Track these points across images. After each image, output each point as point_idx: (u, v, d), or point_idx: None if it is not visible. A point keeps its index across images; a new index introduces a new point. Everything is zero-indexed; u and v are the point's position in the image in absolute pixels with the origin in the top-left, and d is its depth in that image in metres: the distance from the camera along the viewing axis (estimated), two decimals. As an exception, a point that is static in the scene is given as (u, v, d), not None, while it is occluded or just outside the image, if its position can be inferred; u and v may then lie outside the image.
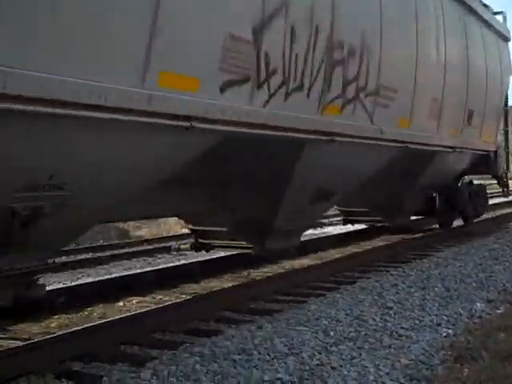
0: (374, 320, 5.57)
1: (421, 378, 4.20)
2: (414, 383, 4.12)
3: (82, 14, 3.52)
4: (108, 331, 5.00)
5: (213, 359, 4.44)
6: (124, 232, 12.47)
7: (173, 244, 7.07)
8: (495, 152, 11.85)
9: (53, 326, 5.54)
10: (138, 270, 8.01)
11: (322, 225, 13.29)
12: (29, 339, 4.87)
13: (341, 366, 4.37)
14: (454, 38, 9.40)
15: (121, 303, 6.37)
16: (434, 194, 10.79)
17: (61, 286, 7.14)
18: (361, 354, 4.63)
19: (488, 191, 12.85)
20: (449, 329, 5.39)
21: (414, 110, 8.04)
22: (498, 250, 9.78)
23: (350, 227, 11.54)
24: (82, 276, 8.10)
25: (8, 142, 3.38)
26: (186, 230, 9.33)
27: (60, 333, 4.92)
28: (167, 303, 6.09)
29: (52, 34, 3.36)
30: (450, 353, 4.70)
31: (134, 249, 10.39)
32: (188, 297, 6.49)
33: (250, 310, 6.08)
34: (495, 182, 12.87)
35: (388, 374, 4.25)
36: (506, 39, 12.26)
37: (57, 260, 9.06)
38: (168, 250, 9.68)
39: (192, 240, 7.11)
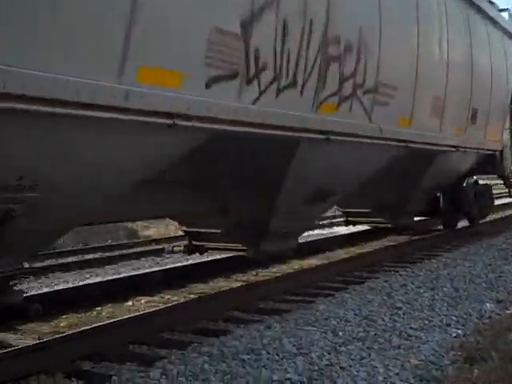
0: (383, 320, 5.55)
1: (431, 378, 4.19)
2: (423, 384, 4.12)
3: None
4: (117, 331, 5.01)
5: (221, 359, 4.43)
6: (132, 232, 12.49)
7: (166, 246, 6.88)
8: (501, 151, 11.64)
9: (62, 325, 5.55)
10: (147, 270, 8.02)
11: (323, 226, 13.19)
12: (38, 338, 4.88)
13: (350, 366, 4.36)
14: (458, 35, 9.22)
15: (129, 303, 6.39)
16: (438, 195, 10.64)
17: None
18: (370, 354, 4.62)
19: (496, 191, 12.76)
20: (458, 329, 5.37)
21: (415, 108, 7.81)
22: (507, 250, 9.73)
23: (358, 227, 11.48)
24: (91, 276, 8.12)
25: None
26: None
27: (69, 332, 4.93)
28: (175, 303, 6.10)
29: (12, 22, 3.11)
30: (459, 353, 4.68)
31: (143, 248, 10.41)
32: (196, 296, 6.50)
33: (258, 309, 6.08)
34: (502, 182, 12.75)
35: (398, 374, 4.24)
36: None
37: (65, 260, 9.16)
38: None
39: (186, 242, 6.88)
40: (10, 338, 5.04)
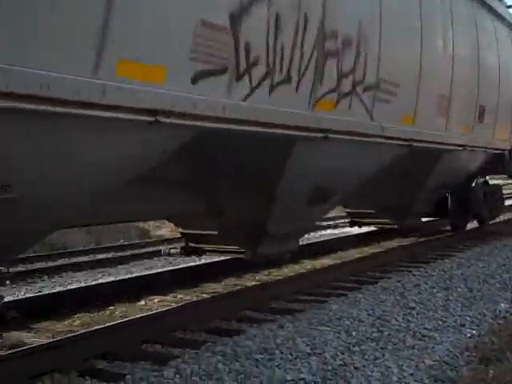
0: (397, 320, 5.52)
1: (445, 379, 4.16)
2: (438, 384, 4.09)
3: None
4: (130, 330, 5.02)
5: (235, 358, 4.43)
6: (144, 231, 12.52)
7: (162, 248, 6.64)
8: (510, 151, 11.35)
9: (75, 324, 5.57)
10: (159, 270, 8.03)
11: (336, 226, 13.11)
12: (52, 337, 4.90)
13: (364, 367, 4.34)
14: (464, 31, 8.98)
15: (142, 302, 6.40)
16: (447, 195, 10.41)
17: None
18: (384, 355, 4.59)
19: (507, 191, 12.61)
20: (473, 329, 5.33)
21: (419, 105, 7.53)
22: (521, 250, 9.67)
23: (371, 227, 11.40)
24: (103, 275, 8.14)
25: None
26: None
27: (82, 331, 4.94)
28: (188, 302, 6.10)
29: None
30: (474, 354, 4.65)
31: (155, 248, 10.42)
32: (209, 296, 6.50)
33: (271, 309, 6.07)
34: None
35: (412, 374, 4.22)
36: None
37: (78, 259, 9.19)
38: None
39: (182, 244, 6.62)
40: (25, 336, 5.06)
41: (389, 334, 5.10)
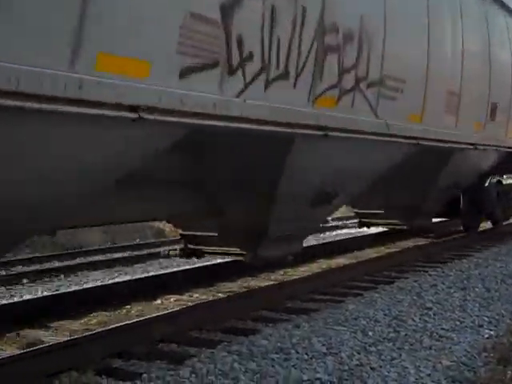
0: (414, 320, 5.49)
1: (463, 379, 4.13)
2: (456, 385, 4.06)
3: None
4: (146, 329, 5.02)
5: (251, 358, 4.42)
6: (160, 231, 12.55)
7: (161, 250, 6.45)
8: None
9: (92, 323, 5.60)
10: (175, 269, 8.05)
11: (344, 227, 12.96)
12: (69, 336, 4.93)
13: (380, 367, 4.32)
14: (474, 27, 8.69)
15: (158, 301, 6.41)
16: (458, 195, 10.21)
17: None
18: (401, 355, 4.57)
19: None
20: (491, 330, 5.29)
21: (427, 103, 7.24)
22: (539, 250, 9.58)
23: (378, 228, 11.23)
24: (120, 274, 8.18)
25: None
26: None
27: (99, 330, 4.96)
28: (204, 301, 6.11)
29: None
30: (492, 354, 4.61)
31: (170, 247, 10.43)
32: (224, 296, 6.50)
33: (286, 308, 6.06)
34: None
35: (429, 375, 4.19)
36: None
37: (94, 258, 9.24)
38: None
39: (182, 245, 6.41)
40: (42, 335, 5.10)
41: (406, 335, 5.08)
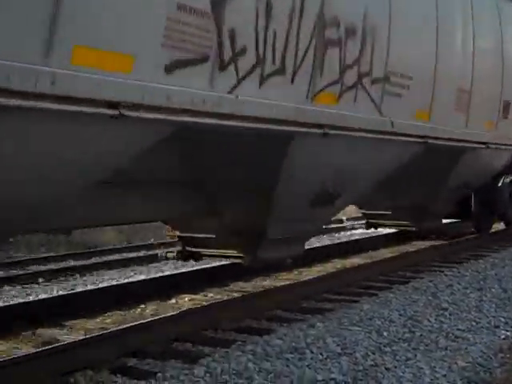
0: (429, 321, 5.46)
1: (479, 380, 4.10)
2: (471, 386, 4.03)
3: None
4: (160, 328, 5.04)
5: (265, 357, 4.42)
6: (174, 231, 12.58)
7: (159, 252, 6.27)
8: None
9: (107, 322, 5.62)
10: (190, 268, 8.06)
11: (360, 227, 12.81)
12: (84, 334, 4.96)
13: (395, 367, 4.29)
14: (486, 23, 8.37)
15: (173, 301, 6.43)
16: (470, 195, 9.93)
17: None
18: (416, 356, 4.54)
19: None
20: (507, 331, 5.25)
21: (435, 100, 6.99)
22: (557, 250, 9.47)
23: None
24: (135, 274, 8.21)
25: None
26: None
27: (114, 329, 4.98)
28: (218, 301, 6.11)
29: None
30: (508, 355, 4.58)
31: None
32: (239, 295, 6.50)
33: (301, 308, 6.05)
34: None
35: (445, 376, 4.16)
36: None
37: (109, 258, 9.28)
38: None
39: (179, 248, 6.24)
40: (57, 333, 5.13)
41: (421, 335, 5.04)
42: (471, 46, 7.94)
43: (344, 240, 10.96)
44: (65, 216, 4.31)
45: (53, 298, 6.36)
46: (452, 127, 7.57)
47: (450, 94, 7.48)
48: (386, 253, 9.56)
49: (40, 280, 7.67)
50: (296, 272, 7.96)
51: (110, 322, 5.63)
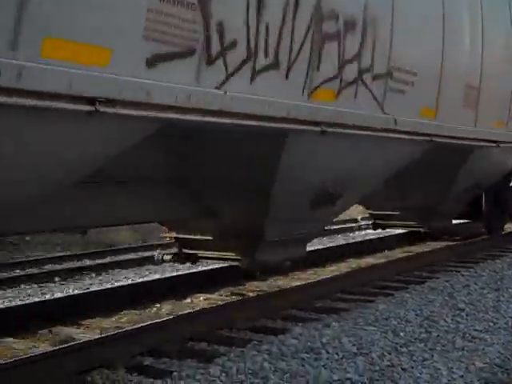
0: (446, 321, 5.42)
1: (496, 381, 4.07)
2: (489, 387, 3.99)
3: None
4: (176, 327, 5.05)
5: (281, 357, 4.41)
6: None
7: (156, 254, 6.18)
8: None
9: (122, 321, 5.64)
10: (205, 268, 8.07)
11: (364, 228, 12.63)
12: (100, 333, 4.97)
13: (412, 368, 4.27)
14: (496, 17, 8.03)
15: (188, 300, 6.44)
16: (480, 195, 9.68)
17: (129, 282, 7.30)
18: (433, 356, 4.51)
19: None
20: (525, 331, 5.20)
21: (442, 97, 6.73)
22: None
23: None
24: (150, 273, 8.23)
25: None
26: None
27: (129, 328, 4.99)
28: (234, 300, 6.11)
29: None
30: (527, 356, 4.53)
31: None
32: (254, 295, 6.49)
33: (316, 308, 6.03)
34: None
35: (462, 376, 4.13)
36: None
37: (124, 257, 9.31)
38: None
39: (176, 250, 6.08)
40: (74, 332, 5.15)
41: (437, 335, 5.01)
42: (480, 40, 7.64)
43: (358, 240, 10.91)
44: (40, 217, 4.16)
45: (68, 296, 6.39)
46: (460, 125, 7.31)
47: (457, 90, 7.22)
48: (401, 252, 9.51)
49: (56, 279, 7.72)
50: (311, 271, 7.94)
51: (126, 321, 5.64)
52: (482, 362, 4.42)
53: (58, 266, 8.51)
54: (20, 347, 4.74)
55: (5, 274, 7.86)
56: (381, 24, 5.57)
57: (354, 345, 4.70)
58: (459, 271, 7.76)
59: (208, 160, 5.01)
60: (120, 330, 4.90)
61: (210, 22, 3.88)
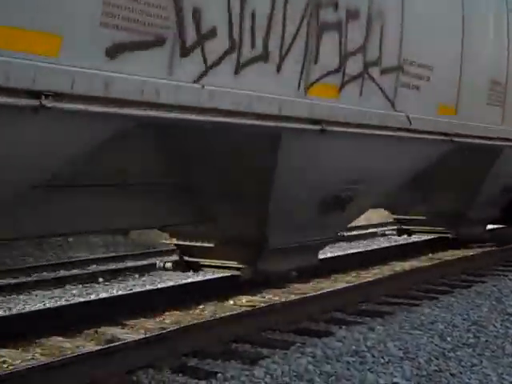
0: (495, 326, 5.30)
1: (549, 388, 3.94)
2: (542, 394, 3.88)
3: None
4: (219, 329, 5.05)
5: (325, 360, 4.37)
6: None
7: (157, 262, 6.04)
8: None
9: (166, 322, 5.67)
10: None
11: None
12: (145, 334, 5.01)
13: (461, 373, 4.18)
14: None
15: (230, 302, 6.43)
16: None
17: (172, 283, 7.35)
18: (481, 362, 4.41)
19: None
20: None
21: (462, 93, 6.26)
22: None
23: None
24: (193, 275, 8.25)
25: None
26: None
27: (174, 328, 5.01)
28: (277, 302, 6.08)
29: None
30: None
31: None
32: (297, 297, 6.45)
33: (360, 311, 5.96)
34: None
35: (513, 383, 4.02)
36: None
37: (167, 259, 9.36)
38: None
39: (177, 258, 5.82)
40: (119, 332, 5.20)
41: (486, 341, 4.90)
42: (506, 30, 7.13)
43: (402, 242, 10.75)
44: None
45: (113, 297, 6.46)
46: (484, 123, 6.80)
47: (481, 86, 6.71)
48: (446, 255, 9.33)
49: (100, 280, 7.82)
50: (354, 274, 7.86)
51: (169, 322, 5.67)
52: (533, 368, 4.31)
53: (101, 267, 8.62)
54: (67, 346, 4.81)
55: (52, 275, 8.00)
56: (389, 11, 5.13)
57: (399, 349, 4.63)
58: (507, 275, 7.58)
59: (196, 160, 4.63)
60: (164, 331, 4.92)
61: (184, 7, 3.49)
